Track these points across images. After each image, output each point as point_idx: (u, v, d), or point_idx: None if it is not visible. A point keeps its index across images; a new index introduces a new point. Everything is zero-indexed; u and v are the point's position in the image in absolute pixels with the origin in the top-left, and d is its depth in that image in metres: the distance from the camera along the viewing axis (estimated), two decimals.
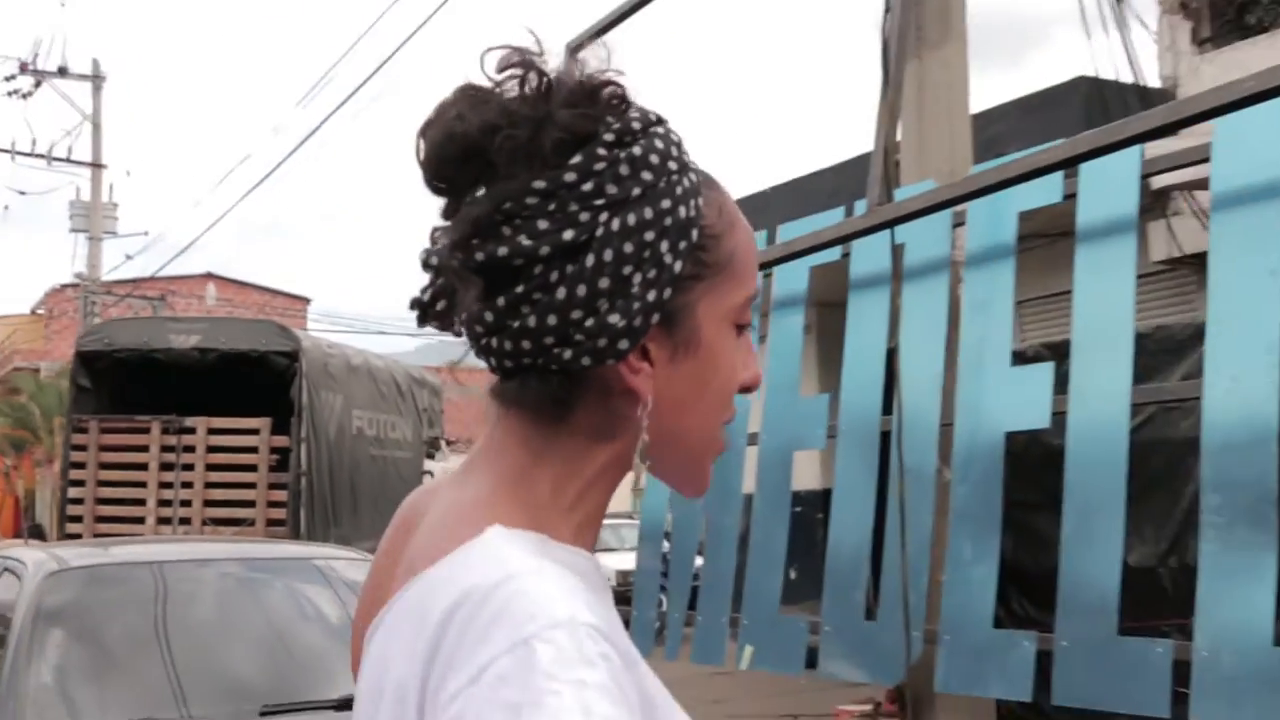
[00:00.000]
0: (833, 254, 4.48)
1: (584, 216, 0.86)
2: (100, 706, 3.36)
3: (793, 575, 4.65)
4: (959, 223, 3.98)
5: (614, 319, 0.88)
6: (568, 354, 0.89)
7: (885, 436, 4.07)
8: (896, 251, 4.15)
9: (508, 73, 0.88)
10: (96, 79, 23.89)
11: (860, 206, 4.07)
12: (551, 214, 0.86)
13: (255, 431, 8.88)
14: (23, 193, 26.33)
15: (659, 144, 0.90)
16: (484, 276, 0.87)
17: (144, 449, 9.01)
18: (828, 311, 4.71)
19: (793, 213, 5.54)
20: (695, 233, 0.91)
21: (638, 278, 0.88)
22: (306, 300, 37.70)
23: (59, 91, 23.74)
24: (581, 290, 0.87)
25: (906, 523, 3.86)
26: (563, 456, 0.94)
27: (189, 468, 8.80)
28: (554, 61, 0.89)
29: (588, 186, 0.86)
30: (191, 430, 8.95)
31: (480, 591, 0.80)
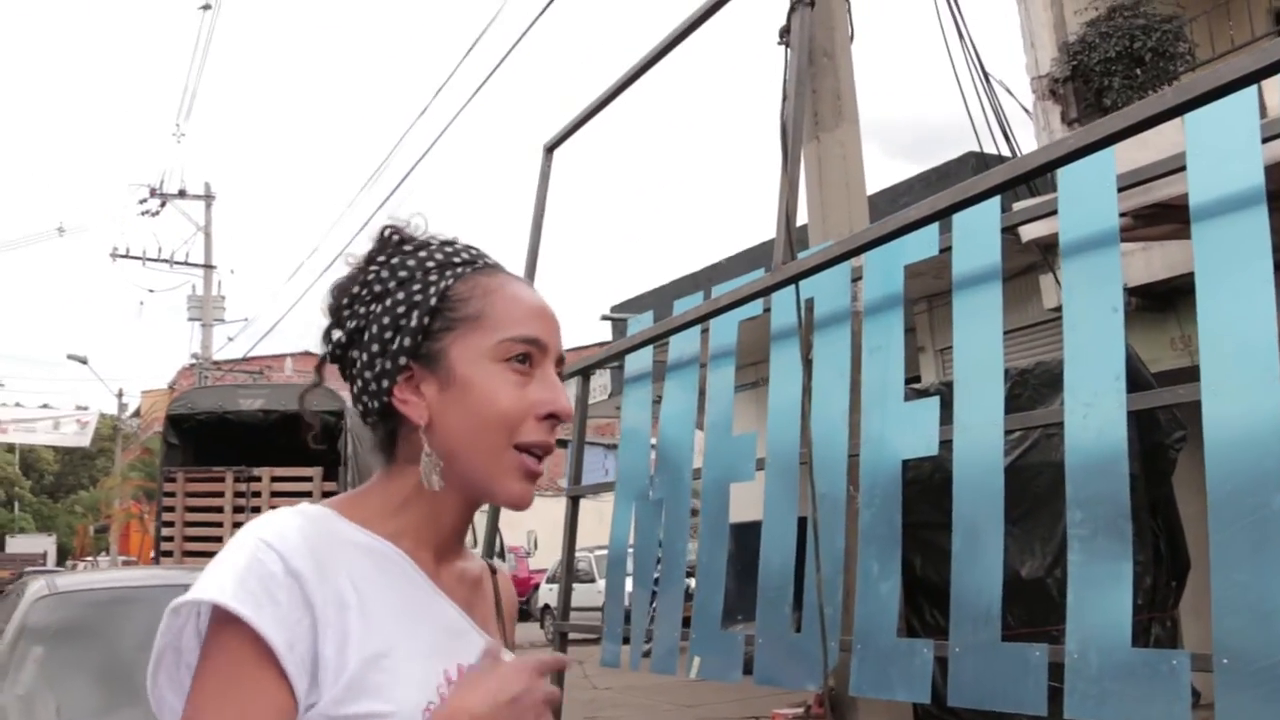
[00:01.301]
0: (756, 310, 4.26)
1: (361, 309, 1.09)
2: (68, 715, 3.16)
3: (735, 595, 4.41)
4: (857, 278, 3.75)
5: (383, 364, 1.07)
6: (370, 401, 1.09)
7: (805, 468, 3.80)
8: (808, 305, 3.93)
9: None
10: (208, 198, 24.48)
11: None
12: (351, 313, 1.10)
13: (309, 479, 9.00)
14: (151, 290, 26.62)
15: (410, 260, 1.10)
16: (339, 362, 1.13)
17: (219, 494, 9.23)
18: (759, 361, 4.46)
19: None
20: (438, 299, 1.07)
21: (393, 338, 1.07)
22: None
23: (179, 209, 24.27)
24: (365, 356, 1.08)
25: (820, 544, 3.59)
26: (391, 480, 1.09)
27: (256, 510, 8.81)
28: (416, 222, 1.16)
29: (363, 292, 1.09)
30: (258, 478, 9.21)
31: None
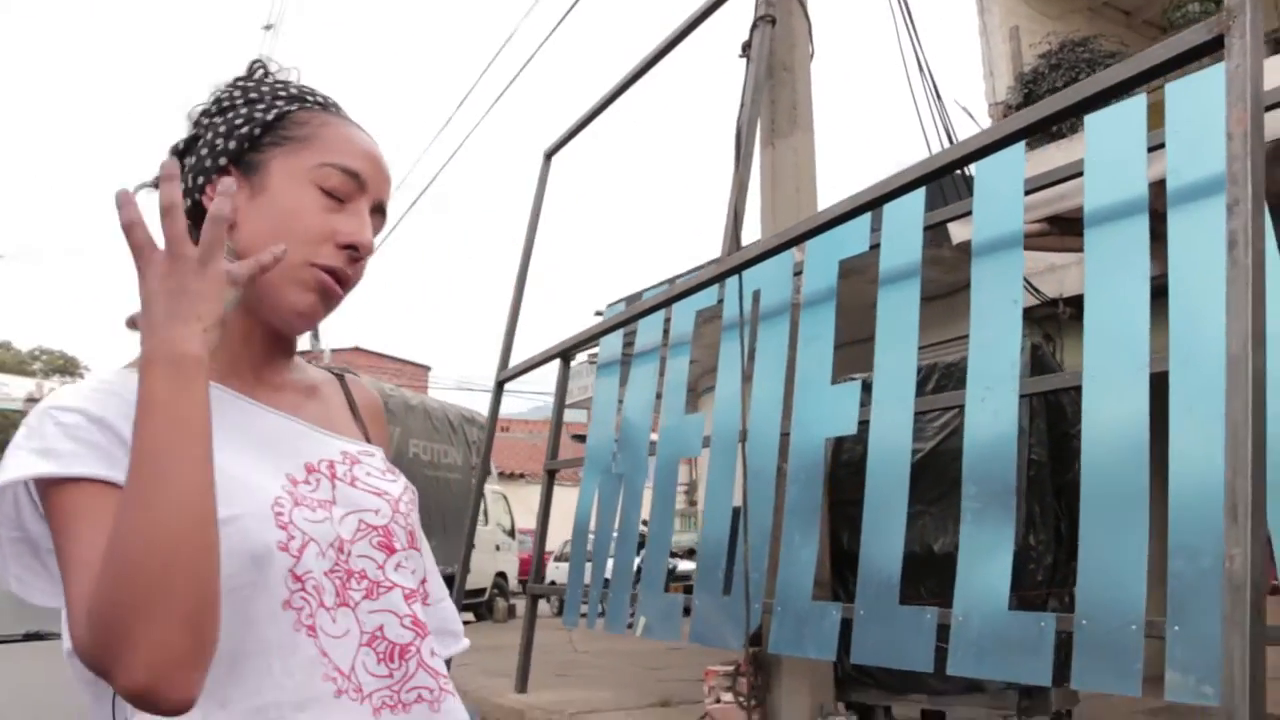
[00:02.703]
0: (710, 299, 4.29)
1: (205, 120, 1.04)
2: None
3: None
4: (798, 272, 3.77)
5: (205, 164, 1.01)
6: (188, 201, 1.01)
7: (743, 445, 3.82)
8: (755, 296, 3.96)
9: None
10: None
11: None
12: (196, 124, 1.06)
13: None
14: None
15: (264, 87, 1.06)
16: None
17: None
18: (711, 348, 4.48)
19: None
20: (273, 119, 1.03)
21: (223, 145, 1.02)
22: (427, 368, 37.60)
23: None
24: (194, 159, 1.02)
25: (749, 515, 3.60)
26: None
27: None
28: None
29: (212, 106, 1.05)
30: None
31: None
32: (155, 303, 0.82)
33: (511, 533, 14.31)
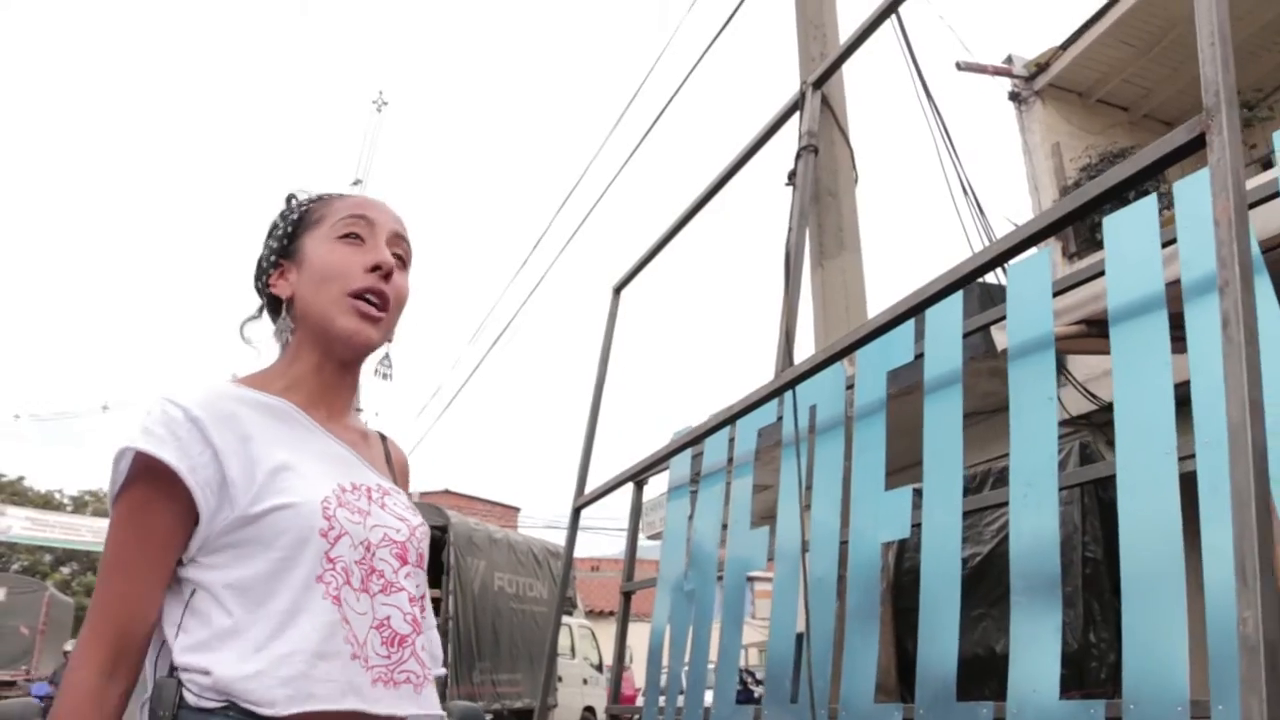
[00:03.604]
0: (770, 417, 4.41)
1: (262, 250, 1.37)
2: None
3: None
4: (850, 385, 3.89)
5: (264, 266, 1.36)
6: (260, 296, 1.38)
7: (806, 555, 3.89)
8: (811, 410, 4.08)
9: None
10: None
11: None
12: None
13: None
14: None
15: (294, 202, 1.39)
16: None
17: None
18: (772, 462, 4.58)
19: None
20: (298, 217, 1.35)
21: (271, 249, 1.36)
22: (517, 509, 37.80)
23: None
24: (258, 270, 1.38)
25: (811, 623, 3.65)
26: (285, 353, 1.36)
27: None
28: None
29: (267, 235, 1.41)
30: None
31: None
32: None
33: (599, 667, 14.20)
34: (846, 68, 4.51)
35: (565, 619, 12.40)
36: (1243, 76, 6.76)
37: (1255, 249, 2.47)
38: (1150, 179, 2.38)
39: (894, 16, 5.62)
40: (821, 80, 4.24)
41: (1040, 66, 6.49)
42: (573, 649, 12.60)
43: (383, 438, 1.46)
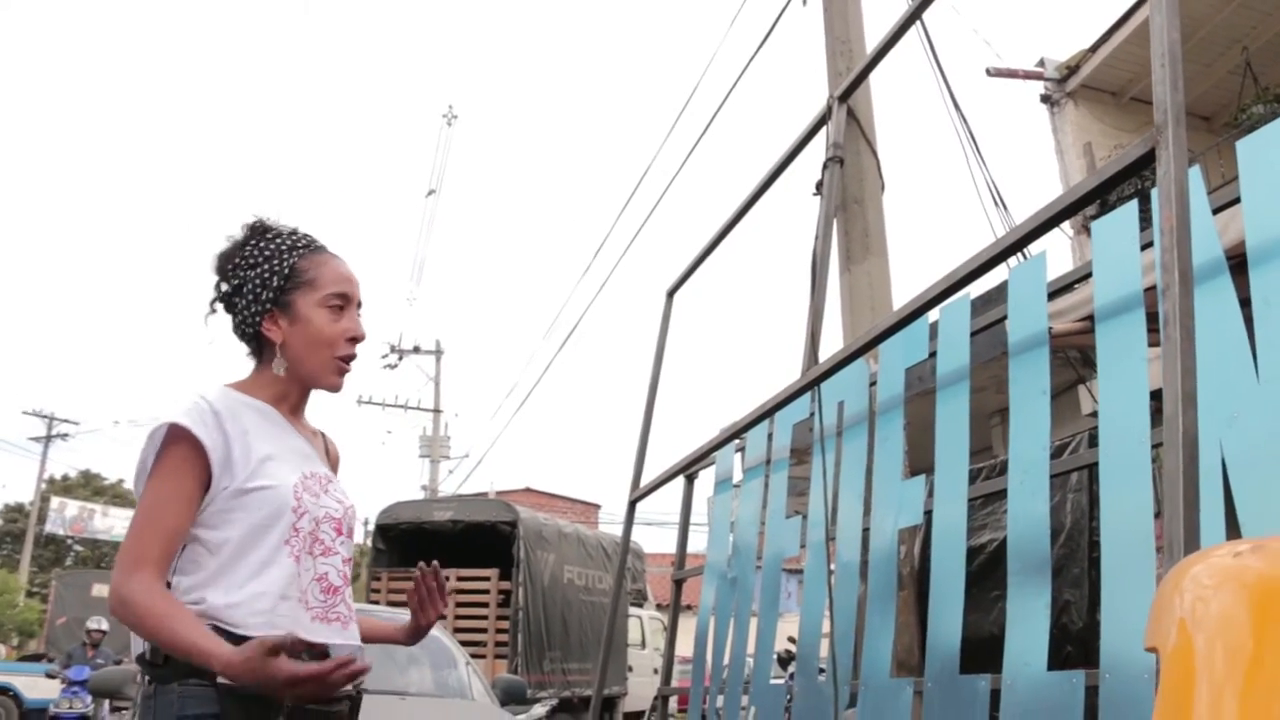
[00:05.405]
0: (803, 413, 4.62)
1: (242, 273, 1.69)
2: None
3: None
4: (873, 382, 4.08)
5: (256, 308, 1.66)
6: (246, 329, 1.69)
7: (832, 543, 4.10)
8: (839, 406, 4.28)
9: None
10: (438, 353, 25.64)
11: None
12: (235, 273, 1.69)
13: (487, 579, 9.30)
14: (389, 432, 27.95)
15: (271, 244, 1.70)
16: (225, 304, 1.72)
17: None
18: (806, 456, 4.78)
19: None
20: (289, 271, 1.67)
21: (262, 292, 1.66)
22: (598, 505, 37.92)
23: (414, 363, 25.58)
24: (244, 302, 1.68)
25: (835, 603, 3.86)
26: (262, 373, 1.70)
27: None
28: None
29: (243, 261, 1.69)
30: (447, 578, 9.32)
31: None
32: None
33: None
34: (878, 80, 4.71)
35: (636, 611, 12.66)
36: (1275, 72, 6.75)
37: (1218, 252, 2.63)
38: (1111, 190, 2.56)
39: (920, 28, 5.79)
40: (847, 94, 4.43)
41: (1071, 69, 6.56)
42: (643, 640, 12.88)
43: (323, 435, 1.86)
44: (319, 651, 1.56)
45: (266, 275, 1.67)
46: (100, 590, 17.35)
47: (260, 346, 1.71)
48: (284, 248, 1.70)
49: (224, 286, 1.71)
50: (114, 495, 33.49)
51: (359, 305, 1.73)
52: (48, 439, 32.40)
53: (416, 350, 25.51)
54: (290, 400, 1.71)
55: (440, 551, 9.77)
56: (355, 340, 1.70)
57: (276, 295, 1.66)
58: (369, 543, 10.65)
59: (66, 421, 32.78)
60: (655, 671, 13.34)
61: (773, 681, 4.46)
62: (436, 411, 25.24)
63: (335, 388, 1.69)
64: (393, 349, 25.39)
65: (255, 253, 1.69)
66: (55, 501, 31.11)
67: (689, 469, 5.85)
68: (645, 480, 6.38)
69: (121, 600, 1.42)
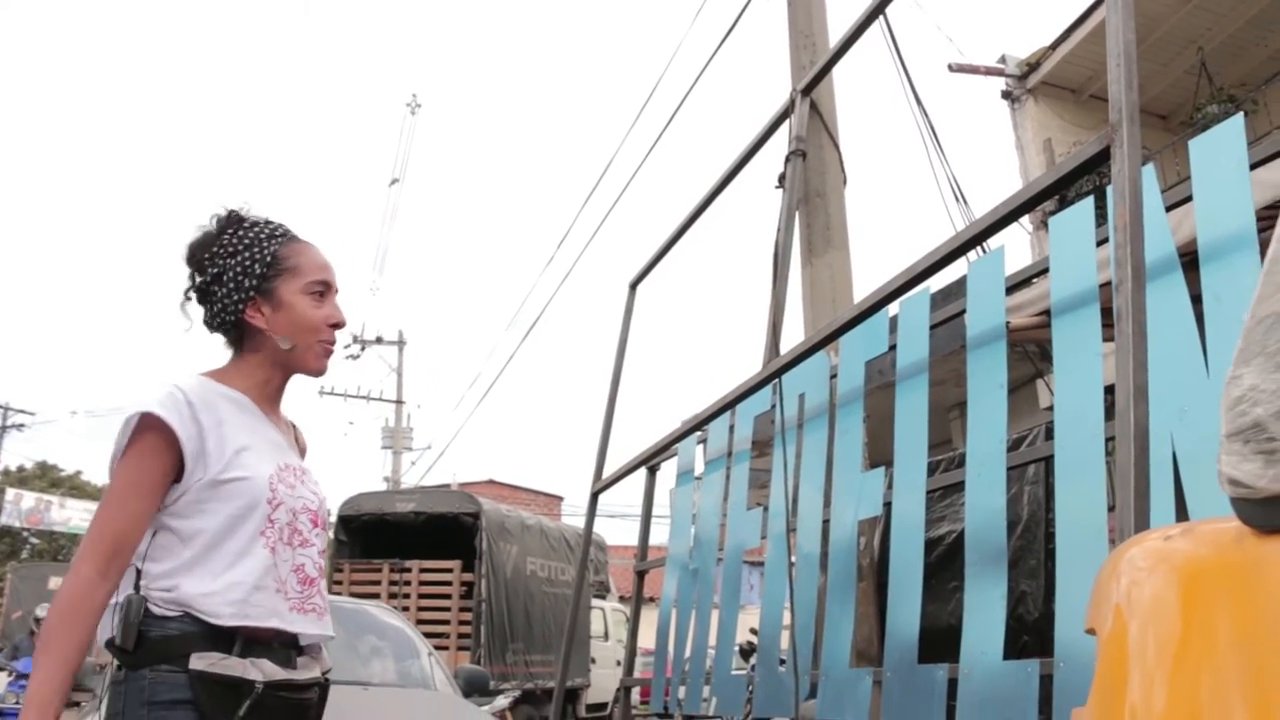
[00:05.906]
0: (764, 405, 4.64)
1: (220, 261, 1.66)
2: None
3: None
4: (834, 375, 4.10)
5: (238, 296, 1.64)
6: (226, 317, 1.66)
7: (793, 534, 4.12)
8: (800, 398, 4.30)
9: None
10: (400, 343, 25.38)
11: None
12: (211, 263, 1.65)
13: (450, 570, 9.26)
14: (352, 423, 27.81)
15: (250, 233, 1.68)
16: (200, 294, 1.68)
17: (377, 583, 9.59)
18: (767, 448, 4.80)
19: None
20: (271, 258, 1.66)
21: (243, 280, 1.64)
22: (560, 497, 37.79)
23: (376, 354, 25.38)
24: (224, 291, 1.65)
25: (795, 594, 3.88)
26: (243, 362, 1.68)
27: (406, 596, 9.20)
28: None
29: (220, 250, 1.66)
30: (409, 570, 9.46)
31: None
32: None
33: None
34: (841, 74, 4.73)
35: (599, 603, 12.67)
36: (1230, 72, 6.88)
37: (1171, 249, 2.67)
38: (1069, 187, 2.59)
39: (884, 23, 5.82)
40: (810, 87, 4.45)
41: (1032, 66, 6.63)
42: (606, 632, 12.90)
43: (294, 426, 1.85)
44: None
45: (248, 263, 1.65)
46: (57, 583, 17.12)
47: (240, 335, 1.69)
48: (263, 236, 1.68)
49: (200, 276, 1.68)
50: (71, 486, 32.99)
51: (336, 292, 1.73)
52: (2, 429, 31.89)
53: (379, 341, 25.26)
54: (271, 388, 1.70)
55: (403, 543, 9.73)
56: (337, 326, 1.70)
57: (259, 282, 1.65)
58: (331, 534, 10.54)
59: (22, 412, 32.29)
60: (618, 663, 13.36)
61: (734, 672, 4.48)
62: (399, 402, 25.07)
63: (320, 371, 1.70)
64: (355, 339, 25.11)
65: (234, 241, 1.67)
66: (11, 493, 30.57)
67: (651, 461, 5.87)
68: (608, 472, 6.39)
69: (61, 586, 1.43)
